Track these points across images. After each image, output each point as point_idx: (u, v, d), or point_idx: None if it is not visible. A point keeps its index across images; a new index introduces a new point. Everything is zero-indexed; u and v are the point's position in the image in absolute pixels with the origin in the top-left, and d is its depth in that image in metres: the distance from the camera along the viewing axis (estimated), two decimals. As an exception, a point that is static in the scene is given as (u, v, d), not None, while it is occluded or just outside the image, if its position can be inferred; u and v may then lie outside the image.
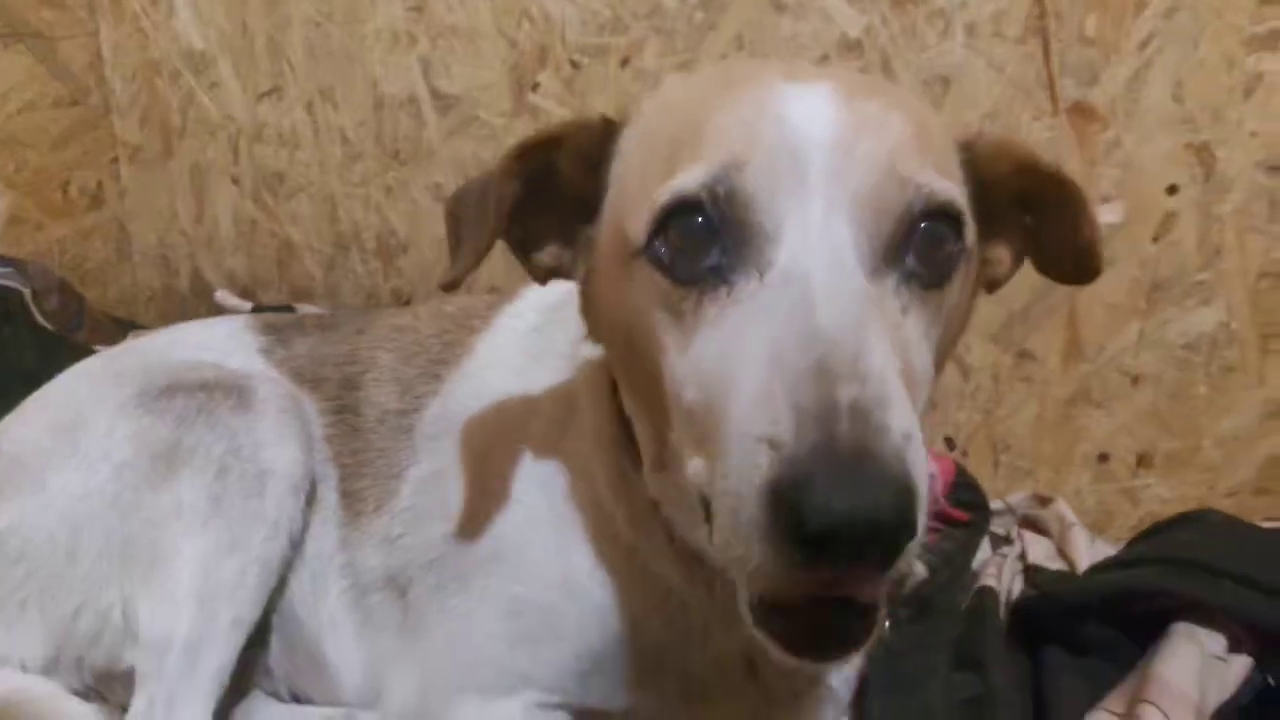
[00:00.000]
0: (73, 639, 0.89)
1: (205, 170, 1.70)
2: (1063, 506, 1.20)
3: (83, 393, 1.01)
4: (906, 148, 0.60)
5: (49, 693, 0.87)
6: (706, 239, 0.59)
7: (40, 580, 0.90)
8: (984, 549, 1.17)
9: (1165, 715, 0.82)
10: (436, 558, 0.91)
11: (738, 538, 0.51)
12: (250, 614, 0.89)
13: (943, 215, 0.60)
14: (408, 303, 1.65)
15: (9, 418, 1.03)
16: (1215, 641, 0.88)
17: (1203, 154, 1.25)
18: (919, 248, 0.60)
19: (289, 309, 1.58)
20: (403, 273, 1.66)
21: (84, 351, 1.41)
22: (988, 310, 1.37)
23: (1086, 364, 1.35)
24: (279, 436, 0.95)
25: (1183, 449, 1.34)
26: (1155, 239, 1.28)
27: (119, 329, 1.56)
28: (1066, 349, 1.35)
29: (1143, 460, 1.36)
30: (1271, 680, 0.90)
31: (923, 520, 0.51)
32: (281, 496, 0.92)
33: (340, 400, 1.02)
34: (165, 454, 0.92)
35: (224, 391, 0.97)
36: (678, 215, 0.60)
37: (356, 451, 1.00)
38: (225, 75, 1.66)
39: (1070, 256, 0.73)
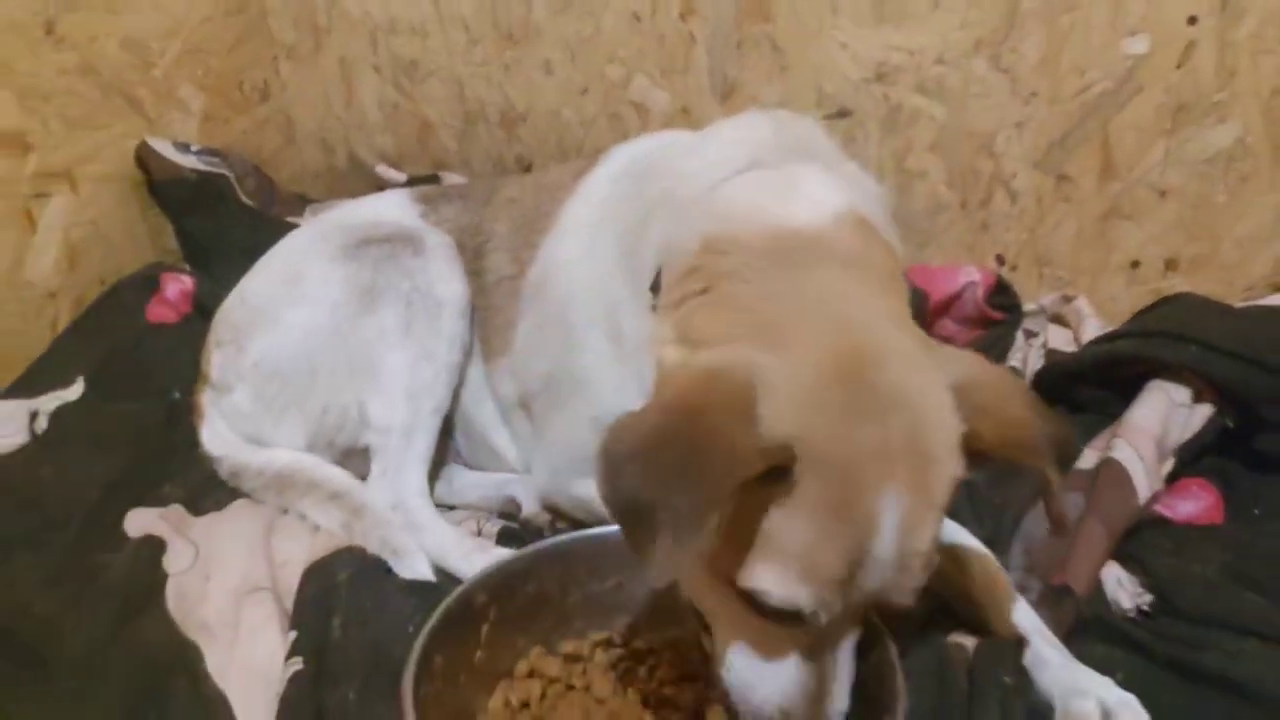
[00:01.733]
0: (324, 428, 1.24)
1: (351, 62, 1.98)
2: (1082, 302, 1.43)
3: (299, 251, 1.33)
4: (934, 552, 0.75)
5: (315, 462, 1.23)
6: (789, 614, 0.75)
7: (293, 390, 1.24)
8: (1018, 341, 1.41)
9: (1132, 446, 1.08)
10: (543, 388, 1.19)
11: None
12: (443, 404, 1.22)
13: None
14: (529, 166, 1.93)
15: (246, 277, 1.35)
16: (1180, 393, 1.13)
17: (1220, -14, 1.40)
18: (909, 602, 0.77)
19: (435, 178, 1.88)
20: (523, 140, 1.93)
21: (280, 223, 1.74)
22: (1030, 140, 1.56)
23: (1118, 182, 1.54)
24: (448, 274, 1.25)
25: (1205, 252, 1.54)
26: (1178, 66, 1.45)
27: (300, 202, 1.89)
28: (1101, 170, 1.54)
29: (1170, 264, 1.56)
30: (1230, 423, 1.15)
31: None
32: (454, 319, 1.23)
33: (472, 266, 1.28)
34: (367, 291, 1.23)
35: (403, 241, 1.27)
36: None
37: (484, 308, 1.27)
38: (360, -25, 1.92)
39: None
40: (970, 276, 1.45)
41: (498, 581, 0.94)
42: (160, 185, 1.68)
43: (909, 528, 0.72)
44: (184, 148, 1.73)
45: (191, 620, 1.03)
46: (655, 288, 0.96)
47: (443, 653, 0.87)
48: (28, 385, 1.43)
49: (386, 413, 1.20)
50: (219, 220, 1.70)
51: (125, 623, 1.02)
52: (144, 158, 1.68)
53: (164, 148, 1.69)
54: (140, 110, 1.73)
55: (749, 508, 0.72)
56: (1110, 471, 1.05)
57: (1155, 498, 1.08)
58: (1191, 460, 1.14)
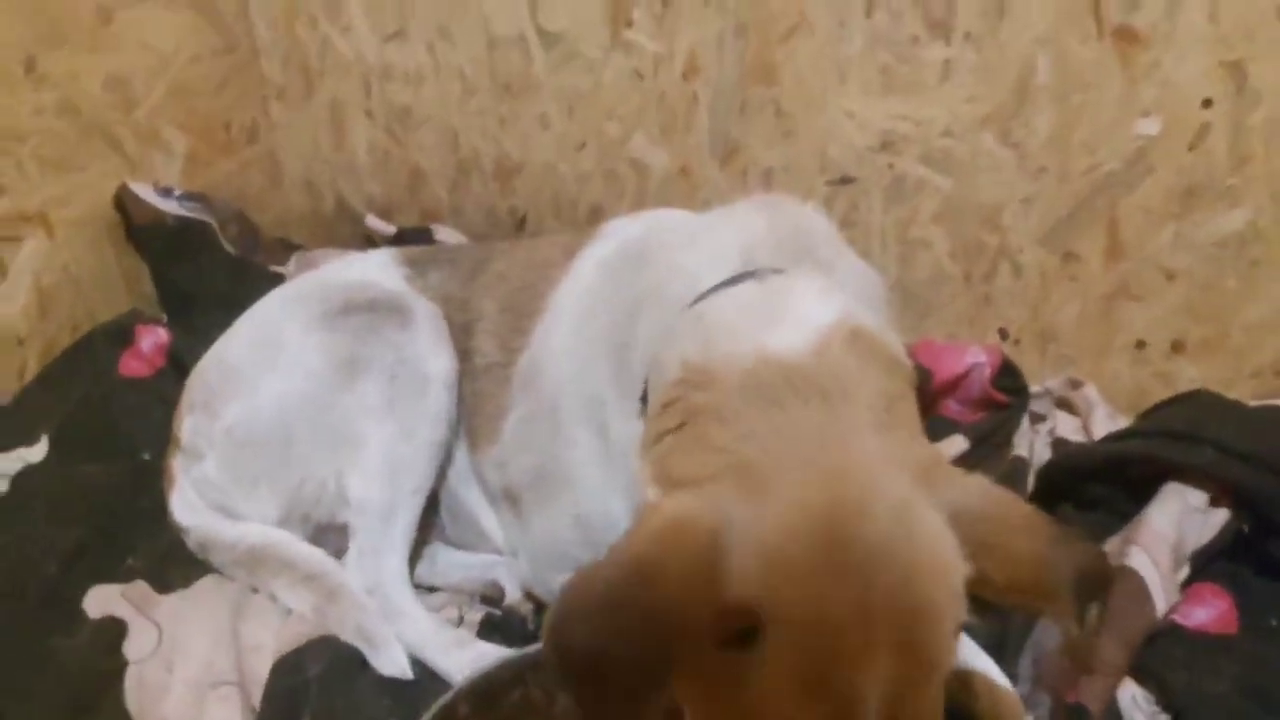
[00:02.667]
0: (299, 502, 1.18)
1: (342, 106, 1.93)
2: (1090, 389, 1.39)
3: (276, 314, 1.28)
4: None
5: (289, 539, 1.16)
6: None
7: (267, 460, 1.18)
8: (1024, 426, 1.37)
9: (1146, 552, 1.03)
10: (531, 482, 1.14)
11: None
12: (426, 484, 1.16)
13: None
14: (522, 219, 1.89)
15: (223, 338, 1.30)
16: (1196, 497, 1.08)
17: (1235, 70, 1.37)
18: None
19: (426, 231, 1.83)
20: (517, 192, 1.88)
21: (263, 271, 1.69)
22: (1037, 217, 1.53)
23: (1126, 262, 1.51)
24: (436, 348, 1.20)
25: (1212, 335, 1.50)
26: (1190, 148, 1.42)
27: (284, 249, 1.83)
28: (1108, 249, 1.51)
29: (1176, 346, 1.52)
30: (1245, 528, 1.10)
31: None
32: (439, 394, 1.18)
33: (461, 344, 1.23)
34: (347, 363, 1.18)
35: (388, 310, 1.22)
36: None
37: (473, 394, 1.22)
38: (356, 19, 1.87)
39: None
40: (977, 358, 1.40)
41: (483, 690, 0.88)
42: (139, 230, 1.63)
43: (898, 696, 0.63)
44: (165, 192, 1.67)
45: (151, 716, 0.97)
46: (644, 398, 0.90)
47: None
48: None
49: (365, 490, 1.14)
50: (200, 268, 1.64)
51: (84, 712, 0.95)
52: (124, 201, 1.62)
53: (145, 192, 1.64)
54: (120, 151, 1.68)
55: (722, 681, 0.65)
56: (1126, 582, 1.00)
57: (1172, 607, 1.03)
58: (1204, 565, 1.10)
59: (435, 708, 0.85)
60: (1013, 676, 0.97)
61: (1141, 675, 1.00)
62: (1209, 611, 1.09)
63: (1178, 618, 1.07)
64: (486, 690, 0.89)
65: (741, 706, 0.65)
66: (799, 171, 1.64)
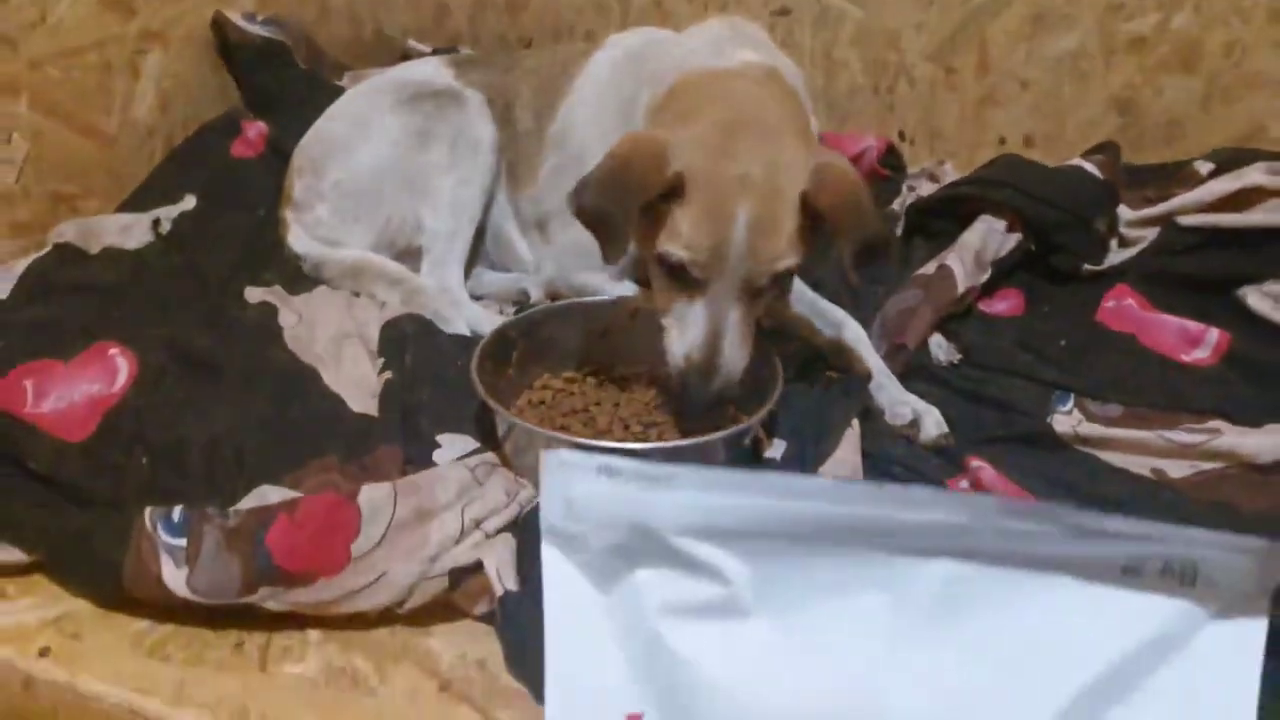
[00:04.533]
0: (388, 233, 1.68)
1: (379, -52, 2.36)
2: (949, 166, 1.90)
3: (363, 102, 1.75)
4: (779, 249, 1.19)
5: (381, 258, 1.67)
6: (687, 274, 1.22)
7: (364, 205, 1.68)
8: (902, 193, 1.87)
9: (959, 255, 1.55)
10: (558, 212, 1.63)
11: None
12: (478, 216, 1.67)
13: (786, 272, 1.23)
14: (529, 42, 2.33)
15: (320, 120, 1.76)
16: (999, 224, 1.60)
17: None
18: (769, 285, 1.24)
19: (454, 49, 2.28)
20: (524, 24, 2.33)
21: (329, 84, 2.14)
22: (927, 39, 2.00)
23: (992, 75, 1.99)
24: (482, 122, 1.68)
25: (1054, 131, 2.00)
26: (1038, -16, 1.89)
27: (338, 68, 2.28)
28: (978, 64, 1.99)
29: (1027, 140, 2.02)
30: (1033, 247, 1.63)
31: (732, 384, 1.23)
32: (487, 154, 1.67)
33: (503, 117, 1.72)
34: (420, 134, 1.66)
35: (447, 97, 1.69)
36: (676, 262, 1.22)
37: (513, 151, 1.71)
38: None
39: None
40: (868, 143, 1.91)
41: (524, 323, 1.41)
42: (233, 47, 2.07)
43: (756, 228, 1.18)
44: (250, 17, 2.11)
45: (307, 355, 1.48)
46: None
47: (489, 364, 1.33)
48: (142, 201, 1.85)
49: (435, 221, 1.65)
50: (279, 78, 2.09)
51: (263, 351, 1.46)
52: (219, 24, 2.07)
53: (235, 17, 2.08)
54: (214, -17, 2.11)
55: (663, 213, 1.21)
56: (941, 272, 1.53)
57: (972, 292, 1.56)
58: (1004, 274, 1.62)
59: (495, 327, 1.38)
60: (867, 331, 1.50)
61: (948, 332, 1.53)
62: (1005, 303, 1.63)
63: (982, 307, 1.61)
64: (527, 324, 1.41)
65: (670, 229, 1.21)
66: (748, 4, 2.09)
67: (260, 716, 1.03)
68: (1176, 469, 1.26)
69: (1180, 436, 1.26)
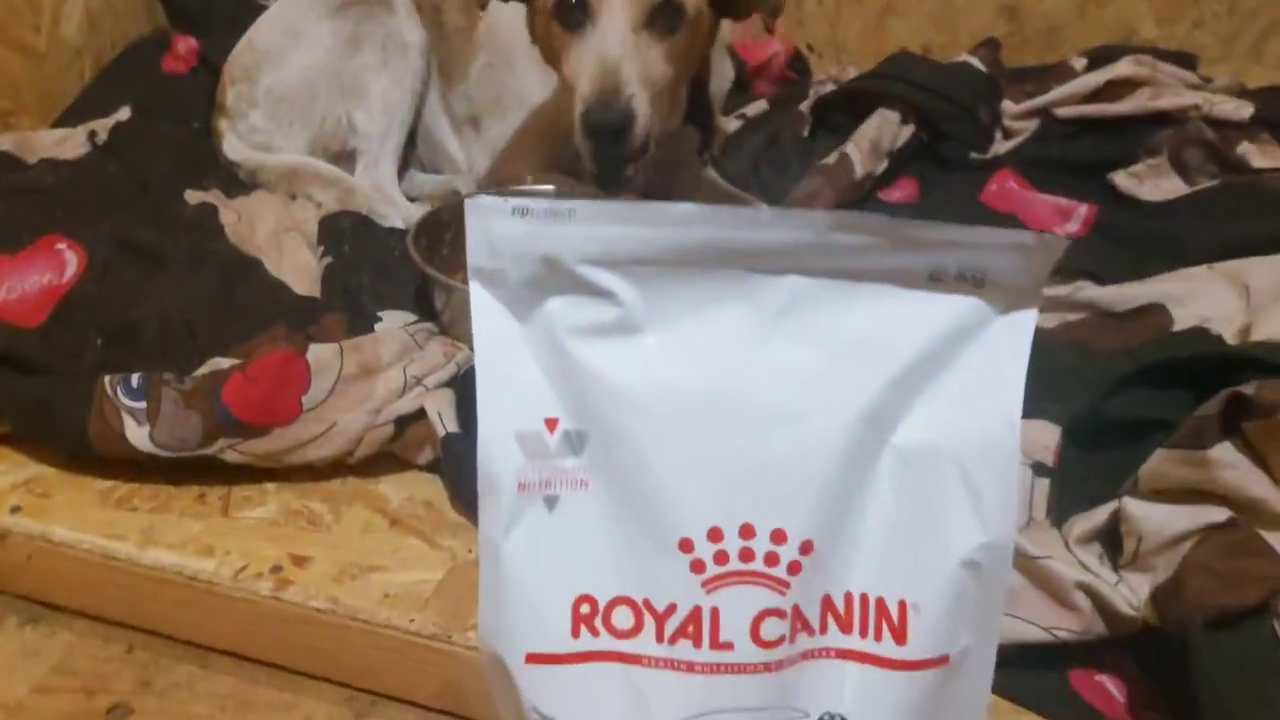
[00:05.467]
0: (321, 136, 1.76)
1: None
2: (851, 69, 2.03)
3: (293, 12, 1.81)
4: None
5: (315, 161, 1.75)
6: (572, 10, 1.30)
7: (298, 109, 1.75)
8: (809, 95, 2.00)
9: (856, 145, 1.69)
10: (491, 106, 1.73)
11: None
12: (409, 117, 1.75)
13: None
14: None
15: (250, 31, 1.82)
16: (893, 116, 1.74)
17: None
18: (661, 17, 1.30)
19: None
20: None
21: (253, 1, 2.18)
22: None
23: (893, -12, 2.13)
24: (411, 25, 1.76)
25: (949, 41, 2.14)
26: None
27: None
28: (881, -21, 2.13)
29: (925, 49, 2.16)
30: (924, 138, 1.77)
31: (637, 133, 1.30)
32: (417, 57, 1.75)
33: (432, 19, 1.80)
34: (352, 39, 1.73)
35: (377, 2, 1.76)
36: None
37: (444, 50, 1.80)
38: None
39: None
40: (775, 48, 2.03)
41: (456, 208, 1.51)
42: (158, -34, 2.11)
43: None
44: (174, -63, 2.15)
45: (248, 246, 1.56)
46: None
47: (423, 242, 1.42)
48: (75, 118, 1.90)
49: (368, 123, 1.73)
50: (206, -2, 2.14)
51: (205, 242, 1.54)
52: (144, -57, 2.10)
53: (159, -64, 2.11)
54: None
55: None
56: (841, 160, 1.66)
57: (869, 180, 1.69)
58: (900, 165, 1.76)
59: (428, 209, 1.48)
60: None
61: (849, 215, 1.67)
62: (901, 192, 1.77)
63: (881, 196, 1.74)
64: (458, 208, 1.51)
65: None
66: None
67: (225, 551, 1.13)
68: (1045, 321, 1.41)
69: (1049, 291, 1.42)
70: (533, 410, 0.58)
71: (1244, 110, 1.67)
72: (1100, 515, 0.95)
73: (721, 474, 0.56)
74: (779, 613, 0.56)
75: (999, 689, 0.91)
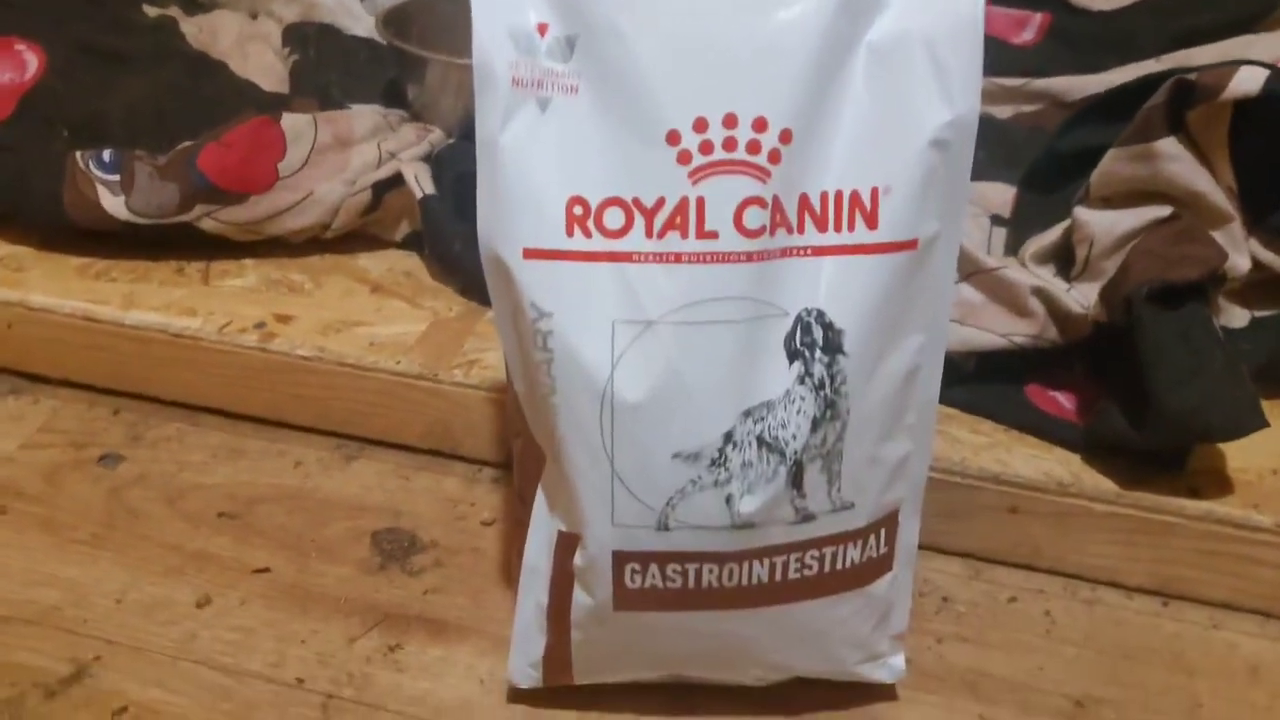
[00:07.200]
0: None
1: None
2: None
3: None
4: None
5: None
6: None
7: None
8: None
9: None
10: None
11: None
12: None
13: None
14: None
15: None
16: None
17: None
18: None
19: None
20: None
21: None
22: None
23: None
24: None
25: None
26: None
27: None
28: None
29: None
30: None
31: None
32: None
33: None
34: None
35: None
36: None
37: None
38: None
39: None
40: None
41: (419, 1, 1.51)
42: None
43: None
44: None
45: (213, 51, 1.55)
46: None
47: (390, 31, 1.42)
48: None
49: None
50: None
51: (168, 44, 1.53)
52: None
53: None
54: None
55: None
56: None
57: None
58: None
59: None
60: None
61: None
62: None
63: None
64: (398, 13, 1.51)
65: None
66: None
67: (208, 313, 1.15)
68: (1000, 111, 1.46)
69: (1005, 82, 1.46)
70: (525, 9, 0.60)
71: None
72: (1054, 234, 1.00)
73: (705, 64, 0.59)
74: (760, 201, 0.60)
75: (959, 403, 0.97)
